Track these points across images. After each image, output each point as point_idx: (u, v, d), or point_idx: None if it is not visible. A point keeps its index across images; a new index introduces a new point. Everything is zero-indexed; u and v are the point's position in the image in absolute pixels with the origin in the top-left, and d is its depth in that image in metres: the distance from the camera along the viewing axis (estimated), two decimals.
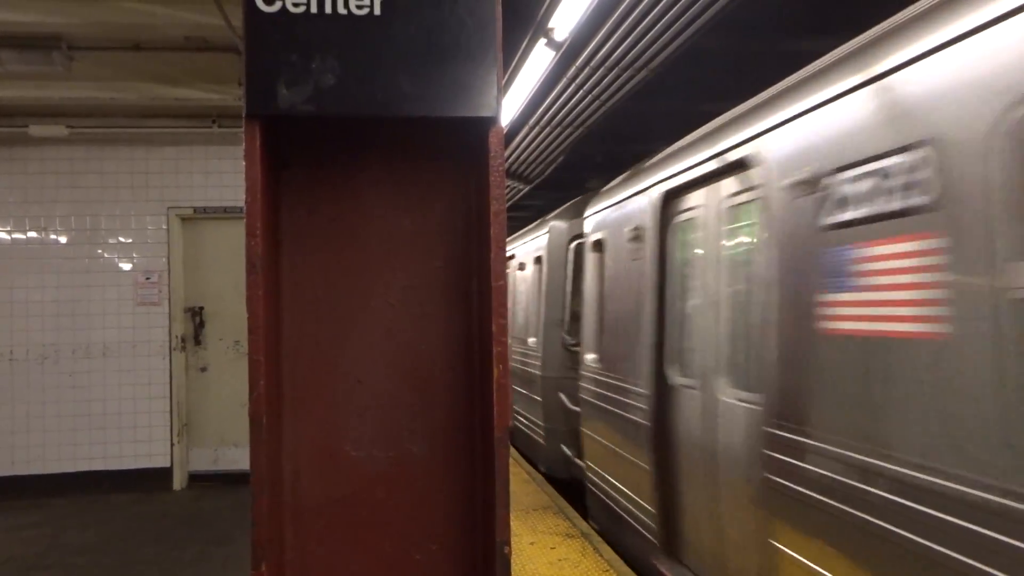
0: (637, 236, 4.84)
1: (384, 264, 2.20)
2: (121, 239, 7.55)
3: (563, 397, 7.26)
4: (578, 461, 6.55)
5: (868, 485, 2.51)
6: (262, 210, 1.91)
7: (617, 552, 5.11)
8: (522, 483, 7.45)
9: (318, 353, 2.17)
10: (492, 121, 1.98)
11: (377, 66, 1.91)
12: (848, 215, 2.62)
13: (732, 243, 3.78)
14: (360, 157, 2.19)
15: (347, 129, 2.12)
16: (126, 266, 7.54)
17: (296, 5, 1.88)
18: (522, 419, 8.79)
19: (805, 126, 2.95)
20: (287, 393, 2.15)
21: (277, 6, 1.87)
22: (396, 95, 1.92)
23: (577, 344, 6.86)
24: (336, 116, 1.91)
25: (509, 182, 10.40)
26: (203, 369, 7.81)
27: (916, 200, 2.30)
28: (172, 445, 7.50)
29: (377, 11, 1.91)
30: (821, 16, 5.92)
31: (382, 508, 2.18)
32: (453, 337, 2.21)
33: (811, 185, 2.83)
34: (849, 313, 2.64)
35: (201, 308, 7.77)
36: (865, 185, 2.55)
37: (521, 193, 11.13)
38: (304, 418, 2.17)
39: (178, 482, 7.54)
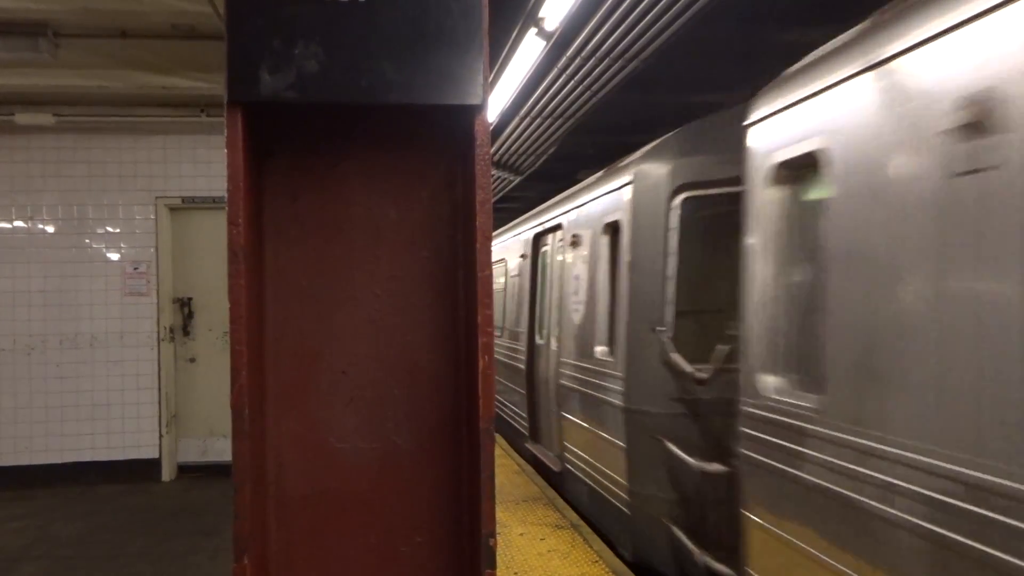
0: None
1: (369, 254, 2.17)
2: (109, 229, 7.50)
3: (670, 445, 4.58)
4: (700, 552, 4.30)
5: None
6: (244, 199, 1.88)
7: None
8: (512, 474, 7.46)
9: (302, 344, 2.15)
10: (478, 109, 1.95)
11: (361, 53, 1.88)
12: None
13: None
14: (345, 145, 2.16)
15: (331, 117, 2.09)
16: (114, 256, 7.49)
17: None
18: (582, 463, 6.14)
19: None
20: (270, 384, 2.13)
21: None
22: (381, 82, 1.89)
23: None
24: (319, 103, 1.88)
25: (500, 173, 10.37)
26: (192, 360, 7.78)
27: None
28: (160, 436, 7.48)
29: None
30: (812, 6, 5.90)
31: (367, 500, 2.17)
32: (439, 328, 2.19)
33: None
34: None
35: (190, 299, 7.74)
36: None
37: (512, 184, 11.11)
38: (288, 409, 2.14)
39: (167, 473, 7.53)
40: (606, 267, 5.43)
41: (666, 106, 8.39)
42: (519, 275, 8.79)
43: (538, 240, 8.11)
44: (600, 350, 5.52)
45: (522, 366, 8.11)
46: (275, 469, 2.13)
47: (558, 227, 7.09)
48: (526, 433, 8.10)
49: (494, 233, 10.36)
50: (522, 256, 8.65)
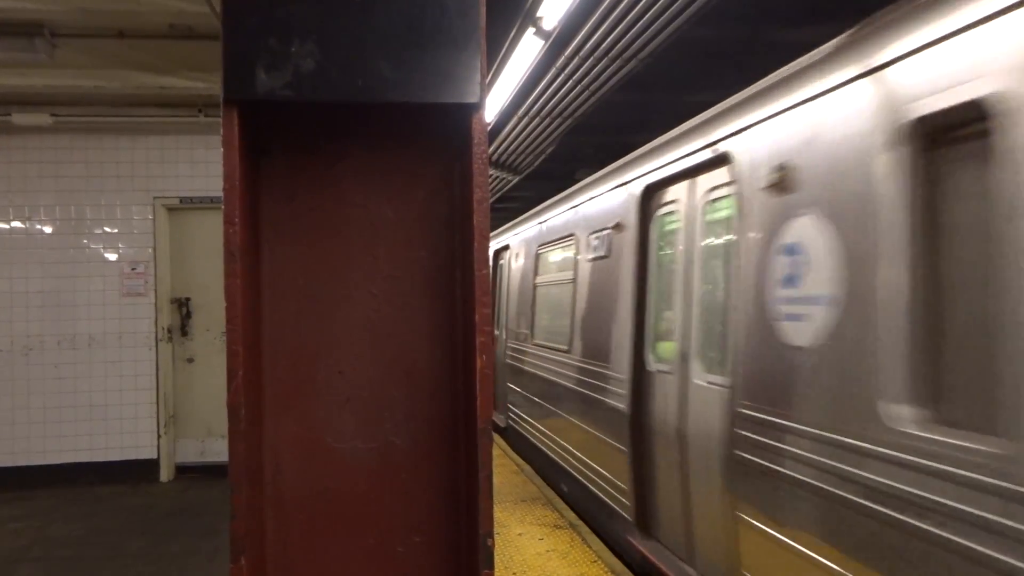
0: None
1: (366, 253, 2.17)
2: (106, 229, 7.48)
3: None
4: None
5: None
6: (241, 197, 1.88)
7: None
8: (511, 474, 7.45)
9: (299, 343, 2.14)
10: (475, 108, 1.95)
11: (358, 51, 1.87)
12: None
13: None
14: (342, 144, 2.16)
15: (328, 115, 2.09)
16: (112, 256, 7.48)
17: None
18: None
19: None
20: (267, 384, 2.12)
21: None
22: (377, 81, 1.88)
23: None
24: (316, 102, 1.88)
25: (498, 173, 10.36)
26: (190, 360, 7.77)
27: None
28: (159, 437, 7.47)
29: None
30: (810, 5, 5.90)
31: (365, 500, 2.16)
32: (436, 327, 2.18)
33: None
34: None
35: (188, 299, 7.72)
36: None
37: (511, 184, 11.10)
38: (285, 410, 2.14)
39: (165, 474, 7.51)
40: (910, 227, 2.56)
41: (664, 106, 8.39)
42: (606, 256, 5.73)
43: (651, 196, 5.01)
44: (906, 414, 2.50)
45: (621, 405, 5.10)
46: (272, 469, 2.13)
47: (717, 162, 4.05)
48: (629, 518, 5.01)
49: (553, 199, 7.88)
50: (614, 227, 5.56)
